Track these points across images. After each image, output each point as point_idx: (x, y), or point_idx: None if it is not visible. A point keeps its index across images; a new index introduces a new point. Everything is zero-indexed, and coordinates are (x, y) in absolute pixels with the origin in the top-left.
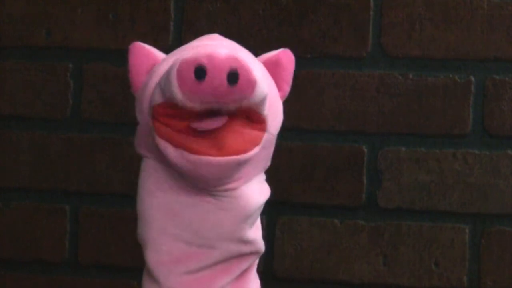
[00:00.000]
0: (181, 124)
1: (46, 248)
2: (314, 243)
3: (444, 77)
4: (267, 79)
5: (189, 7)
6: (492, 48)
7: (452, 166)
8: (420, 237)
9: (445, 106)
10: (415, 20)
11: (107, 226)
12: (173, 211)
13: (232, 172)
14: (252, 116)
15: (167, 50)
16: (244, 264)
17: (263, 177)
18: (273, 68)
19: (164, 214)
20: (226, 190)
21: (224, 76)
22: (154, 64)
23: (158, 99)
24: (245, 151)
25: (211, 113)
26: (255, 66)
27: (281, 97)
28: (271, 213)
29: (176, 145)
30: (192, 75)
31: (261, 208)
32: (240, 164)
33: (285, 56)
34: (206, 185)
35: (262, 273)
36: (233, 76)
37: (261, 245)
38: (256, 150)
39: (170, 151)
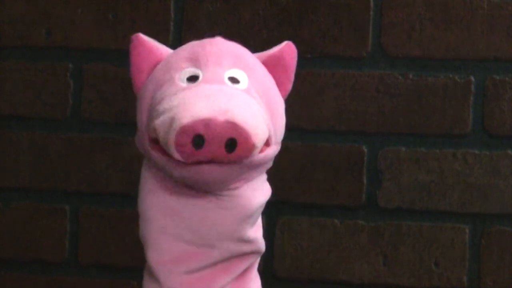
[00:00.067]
0: None
1: (46, 248)
2: (314, 243)
3: (444, 77)
4: (269, 82)
5: (189, 7)
6: (492, 48)
7: (452, 166)
8: (420, 237)
9: (445, 106)
10: (415, 20)
11: (107, 226)
12: (173, 211)
13: (234, 176)
14: None
15: None
16: (244, 264)
17: (264, 177)
18: (276, 66)
19: (164, 213)
20: (228, 189)
21: (222, 145)
22: (156, 62)
23: (153, 134)
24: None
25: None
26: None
27: (283, 96)
28: (271, 213)
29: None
30: (190, 144)
31: (262, 208)
32: (243, 169)
33: (288, 53)
34: (207, 189)
35: (262, 273)
36: (232, 144)
37: (261, 245)
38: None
39: (168, 163)
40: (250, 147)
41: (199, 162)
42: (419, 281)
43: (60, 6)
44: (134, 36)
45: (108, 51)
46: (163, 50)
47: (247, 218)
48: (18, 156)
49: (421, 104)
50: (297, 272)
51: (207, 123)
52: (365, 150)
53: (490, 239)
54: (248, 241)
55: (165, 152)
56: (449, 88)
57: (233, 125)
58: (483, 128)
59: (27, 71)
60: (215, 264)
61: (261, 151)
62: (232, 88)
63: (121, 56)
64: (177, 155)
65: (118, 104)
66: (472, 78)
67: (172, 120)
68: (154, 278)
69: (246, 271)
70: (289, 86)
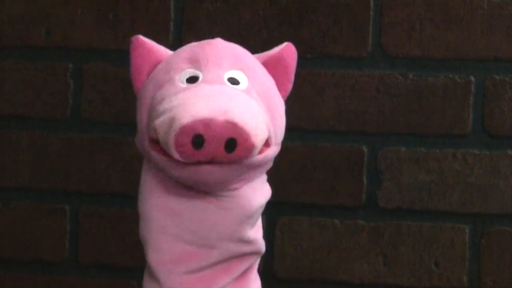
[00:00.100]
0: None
1: (46, 248)
2: (314, 243)
3: (444, 77)
4: (269, 82)
5: (189, 7)
6: (492, 48)
7: (452, 166)
8: (420, 237)
9: (445, 106)
10: (415, 20)
11: (107, 226)
12: (173, 211)
13: (234, 177)
14: None
15: None
16: (244, 264)
17: (264, 177)
18: (276, 66)
19: (164, 213)
20: (228, 190)
21: (222, 145)
22: (156, 63)
23: (153, 134)
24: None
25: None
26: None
27: (283, 96)
28: (271, 213)
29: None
30: (190, 144)
31: (262, 208)
32: (243, 169)
33: (288, 54)
34: (207, 190)
35: (262, 273)
36: (231, 144)
37: (261, 245)
38: (260, 157)
39: (168, 163)
40: (250, 147)
41: (199, 163)
42: (419, 281)
43: (60, 6)
44: (134, 38)
45: (108, 51)
46: (163, 51)
47: (247, 219)
48: (18, 156)
49: (421, 104)
50: (297, 272)
51: (207, 123)
52: (365, 150)
53: (490, 239)
54: (248, 241)
55: (165, 153)
56: (449, 88)
57: (232, 125)
58: (483, 128)
59: (27, 71)
60: (215, 264)
61: (261, 151)
62: (232, 89)
63: (121, 56)
64: (177, 155)
65: (118, 104)
66: (472, 78)
67: (172, 120)
68: (154, 278)
69: (246, 271)
70: (289, 87)
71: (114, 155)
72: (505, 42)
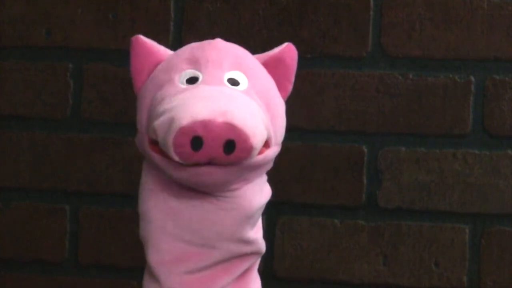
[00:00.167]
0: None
1: (46, 248)
2: (314, 243)
3: (444, 77)
4: (269, 83)
5: (189, 7)
6: (492, 48)
7: (452, 166)
8: (420, 237)
9: (445, 106)
10: (415, 20)
11: (107, 226)
12: (173, 211)
13: (234, 178)
14: None
15: None
16: (245, 264)
17: (264, 178)
18: (276, 67)
19: (164, 213)
20: (228, 190)
21: (221, 146)
22: (156, 63)
23: (152, 135)
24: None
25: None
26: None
27: (283, 97)
28: (271, 213)
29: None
30: (189, 146)
31: (262, 209)
32: (243, 170)
33: (289, 54)
34: (207, 190)
35: (262, 273)
36: (230, 145)
37: (262, 246)
38: (260, 158)
39: (167, 164)
40: (249, 149)
41: (198, 164)
42: (419, 281)
43: (60, 6)
44: (134, 38)
45: (108, 51)
46: (163, 51)
47: (247, 219)
48: (18, 156)
49: (421, 104)
50: (297, 272)
51: (205, 124)
52: (365, 150)
53: (490, 239)
54: (248, 242)
55: (164, 153)
56: (449, 88)
57: (231, 127)
58: (483, 128)
59: (27, 71)
60: (215, 264)
61: (261, 152)
62: (231, 90)
63: (121, 56)
64: (175, 157)
65: (118, 104)
66: (472, 78)
67: (171, 121)
68: (154, 278)
69: (246, 271)
70: (289, 88)
71: (114, 155)
72: (505, 42)
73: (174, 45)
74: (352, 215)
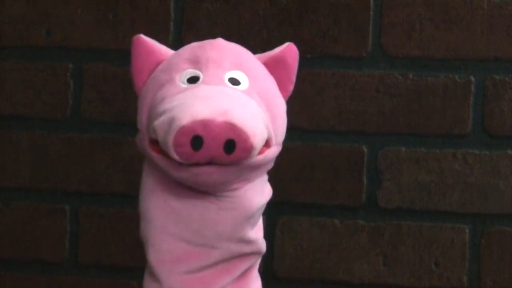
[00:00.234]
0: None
1: (46, 248)
2: (314, 243)
3: (444, 77)
4: (270, 83)
5: (189, 7)
6: (492, 48)
7: (452, 166)
8: (420, 237)
9: (445, 106)
10: (415, 20)
11: (107, 226)
12: (174, 211)
13: (234, 178)
14: None
15: None
16: (245, 264)
17: (265, 177)
18: (277, 67)
19: (165, 213)
20: (228, 190)
21: (221, 146)
22: (157, 62)
23: (152, 134)
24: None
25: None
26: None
27: (284, 97)
28: (271, 213)
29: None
30: (189, 145)
31: (263, 209)
32: (243, 170)
33: (290, 54)
34: (207, 190)
35: (262, 273)
36: (230, 145)
37: (262, 246)
38: (260, 158)
39: (167, 164)
40: (249, 148)
41: (198, 164)
42: (419, 281)
43: (60, 6)
44: (135, 37)
45: (108, 51)
46: (164, 50)
47: (248, 219)
48: (18, 156)
49: (421, 104)
50: (297, 272)
51: (206, 124)
52: (365, 150)
53: (490, 239)
54: (248, 241)
55: (164, 153)
56: (449, 88)
57: (231, 126)
58: (483, 128)
59: (27, 71)
60: (215, 264)
61: (261, 152)
62: (232, 89)
63: (121, 56)
64: (176, 156)
65: (118, 104)
66: (472, 78)
67: (171, 120)
68: (155, 277)
69: (246, 271)
70: (290, 87)
71: (114, 155)
72: (505, 42)
73: (174, 45)
74: (352, 215)
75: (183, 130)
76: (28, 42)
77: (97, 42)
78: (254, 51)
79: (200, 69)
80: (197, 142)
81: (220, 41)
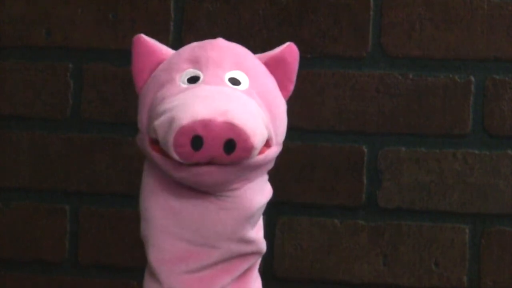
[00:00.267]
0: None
1: (46, 248)
2: (314, 243)
3: (444, 77)
4: (270, 83)
5: (189, 7)
6: (492, 48)
7: (452, 166)
8: (420, 237)
9: (445, 106)
10: (415, 20)
11: (107, 226)
12: (174, 210)
13: (234, 177)
14: None
15: None
16: (245, 264)
17: (265, 177)
18: (277, 66)
19: (165, 213)
20: (228, 190)
21: (221, 146)
22: (158, 62)
23: (152, 134)
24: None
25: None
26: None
27: (285, 96)
28: (271, 213)
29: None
30: (189, 145)
31: (263, 208)
32: (243, 170)
33: (290, 54)
34: (207, 190)
35: (262, 273)
36: (230, 145)
37: (262, 245)
38: (260, 158)
39: (168, 163)
40: (249, 148)
41: (199, 163)
42: (419, 281)
43: (60, 6)
44: (136, 37)
45: (108, 51)
46: (165, 50)
47: (248, 219)
48: (18, 156)
49: (421, 104)
50: (297, 272)
51: (206, 124)
52: (365, 150)
53: (490, 239)
54: (249, 241)
55: (165, 153)
56: (449, 88)
57: (232, 126)
58: (483, 128)
59: (27, 71)
60: (215, 264)
61: (261, 152)
62: (232, 89)
63: (121, 56)
64: (176, 156)
65: (118, 104)
66: (472, 78)
67: (171, 120)
68: (155, 277)
69: (247, 271)
70: (290, 87)
71: (114, 155)
72: (505, 42)
73: (174, 45)
74: (352, 215)
75: (183, 130)
76: (28, 42)
77: (97, 42)
78: (254, 51)
79: (200, 69)
80: (197, 142)
81: (220, 41)
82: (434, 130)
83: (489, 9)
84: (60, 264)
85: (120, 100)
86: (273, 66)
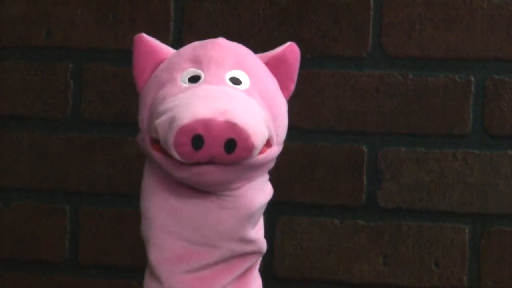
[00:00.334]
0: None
1: (46, 248)
2: (314, 243)
3: (444, 77)
4: (271, 82)
5: (189, 7)
6: (492, 48)
7: (452, 166)
8: (420, 237)
9: (445, 106)
10: (415, 20)
11: (107, 226)
12: (175, 210)
13: (235, 177)
14: None
15: None
16: (246, 264)
17: (266, 177)
18: (278, 66)
19: (166, 212)
20: (229, 189)
21: (221, 145)
22: (159, 61)
23: (153, 134)
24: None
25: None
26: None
27: (286, 96)
28: (271, 213)
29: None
30: (190, 145)
31: (264, 208)
32: (244, 170)
33: (291, 53)
34: (208, 190)
35: (262, 273)
36: (231, 144)
37: (263, 245)
38: (261, 157)
39: (168, 163)
40: (250, 148)
41: (199, 163)
42: (419, 281)
43: (60, 6)
44: (137, 36)
45: (108, 51)
46: (166, 49)
47: (249, 218)
48: (18, 156)
49: (421, 104)
50: (297, 272)
51: (206, 123)
52: (365, 150)
53: (490, 239)
54: (249, 241)
55: (165, 152)
56: (449, 88)
57: (232, 126)
58: (483, 128)
59: (27, 71)
60: (216, 263)
61: (262, 151)
62: (233, 89)
63: (121, 56)
64: (176, 156)
65: (118, 104)
66: (472, 78)
67: (172, 120)
68: (155, 277)
69: (247, 271)
70: (291, 87)
71: (114, 155)
72: (505, 42)
73: (174, 45)
74: (352, 215)
75: (183, 129)
76: (28, 42)
77: (97, 42)
78: (254, 51)
79: (201, 69)
80: (197, 141)
81: (221, 41)
82: (434, 130)
83: (489, 9)
84: (60, 264)
85: (120, 100)
86: (274, 66)
